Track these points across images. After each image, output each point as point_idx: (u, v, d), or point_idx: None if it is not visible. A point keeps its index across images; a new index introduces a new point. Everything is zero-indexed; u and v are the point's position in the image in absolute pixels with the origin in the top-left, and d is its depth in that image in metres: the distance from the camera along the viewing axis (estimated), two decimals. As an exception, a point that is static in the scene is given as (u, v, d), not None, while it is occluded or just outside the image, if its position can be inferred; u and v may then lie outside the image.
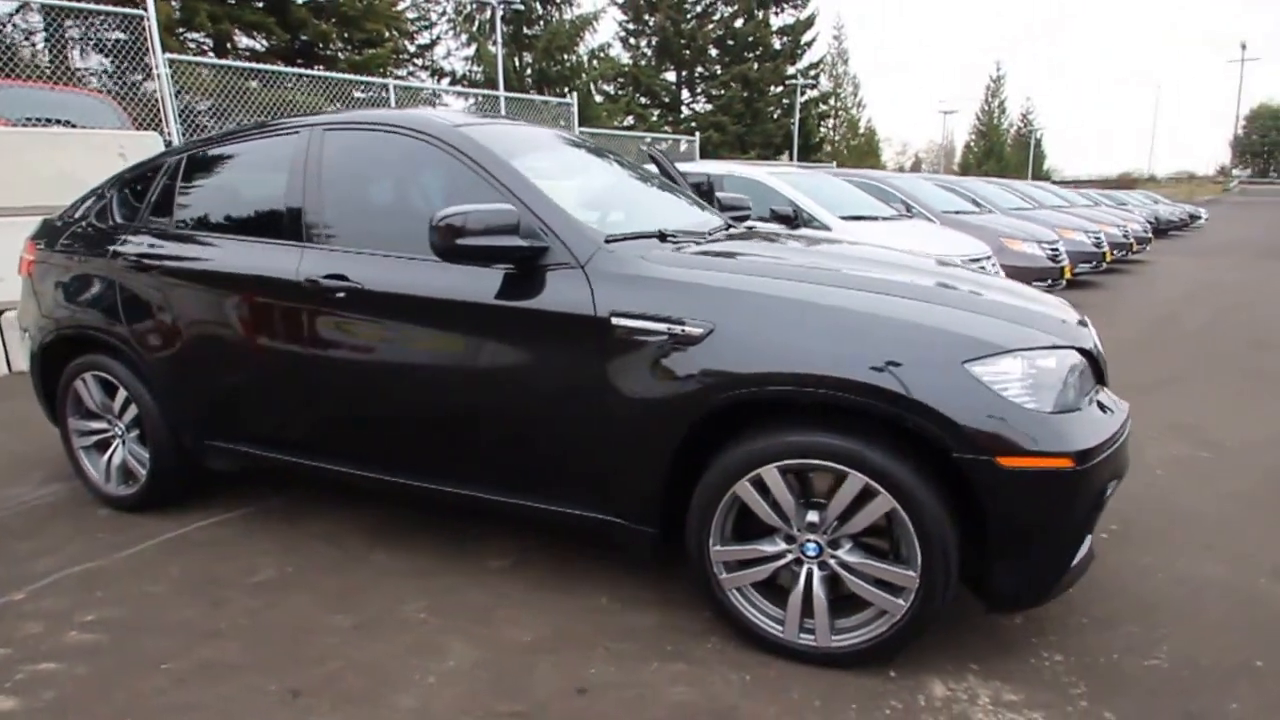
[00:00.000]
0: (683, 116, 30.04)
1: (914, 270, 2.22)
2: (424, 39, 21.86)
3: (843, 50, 41.62)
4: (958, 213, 8.42)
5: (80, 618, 2.16)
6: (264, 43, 16.67)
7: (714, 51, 30.67)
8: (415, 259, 2.20)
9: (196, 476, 2.86)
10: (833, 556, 1.83)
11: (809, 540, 1.84)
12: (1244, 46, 65.13)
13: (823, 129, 35.26)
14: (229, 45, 15.59)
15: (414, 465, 2.34)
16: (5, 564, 2.48)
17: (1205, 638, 2.01)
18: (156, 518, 2.81)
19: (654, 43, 30.90)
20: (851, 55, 55.51)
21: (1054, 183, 20.14)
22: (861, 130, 43.44)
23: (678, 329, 1.85)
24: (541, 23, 23.78)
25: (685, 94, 31.46)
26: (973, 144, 57.71)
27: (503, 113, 11.56)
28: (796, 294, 1.85)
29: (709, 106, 30.45)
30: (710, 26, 30.81)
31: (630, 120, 26.84)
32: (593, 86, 22.28)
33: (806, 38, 32.27)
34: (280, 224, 2.44)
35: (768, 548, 1.88)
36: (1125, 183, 45.32)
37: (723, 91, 29.62)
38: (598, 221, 2.31)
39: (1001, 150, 54.18)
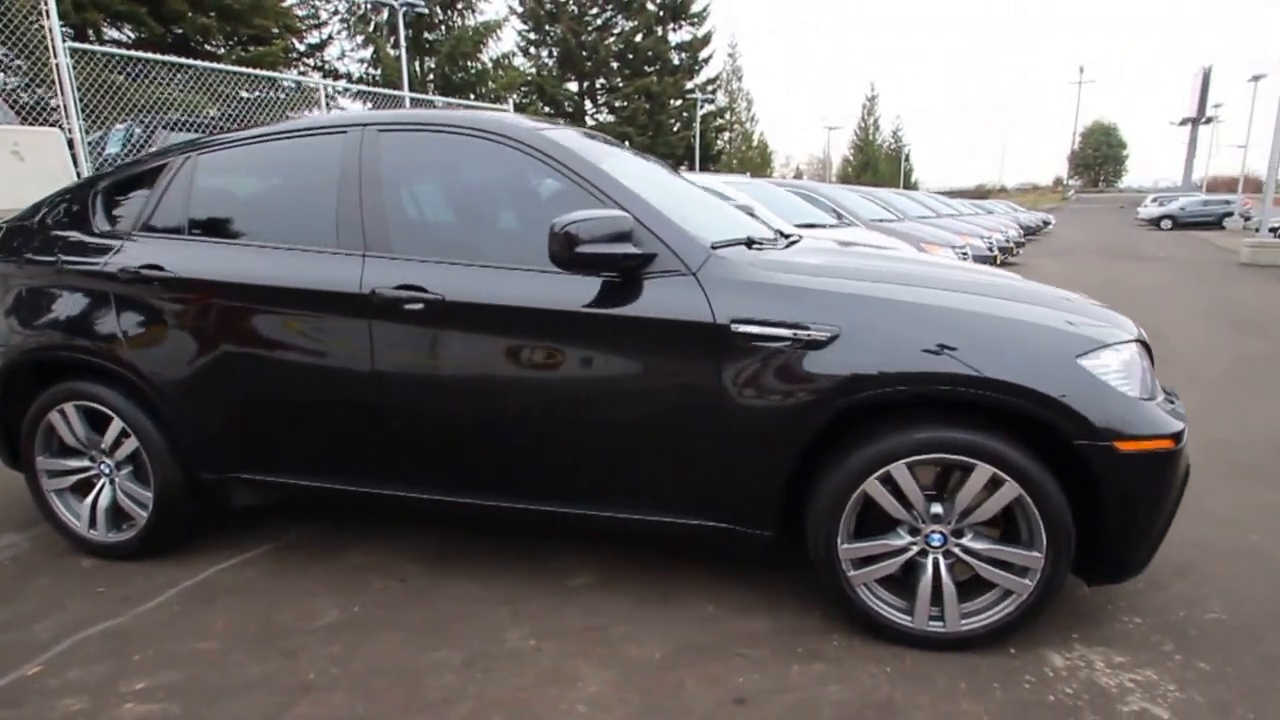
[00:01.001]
0: (588, 127, 30.11)
1: (984, 275, 2.37)
2: (315, 38, 20.59)
3: (737, 68, 43.33)
4: (882, 220, 9.00)
5: (129, 686, 1.88)
6: (131, 34, 15.06)
7: (615, 64, 30.94)
8: (501, 268, 2.10)
9: (204, 516, 2.57)
10: (957, 545, 1.91)
11: (934, 531, 1.91)
12: (1082, 70, 74.47)
13: (720, 141, 36.42)
14: (92, 36, 13.95)
15: (493, 484, 2.22)
16: (-4, 633, 2.11)
17: (1239, 590, 2.27)
18: (158, 565, 2.49)
19: (555, 53, 30.76)
20: (745, 73, 57.70)
21: (937, 194, 21.95)
22: (755, 143, 45.44)
23: (803, 334, 1.87)
24: (443, 28, 23.04)
25: (589, 104, 31.52)
26: (850, 157, 61.91)
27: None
28: (914, 298, 1.93)
29: (611, 118, 30.68)
30: (611, 40, 31.07)
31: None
32: (500, 95, 21.78)
33: (704, 54, 33.27)
34: (333, 231, 2.24)
35: (895, 541, 1.94)
36: (980, 193, 49.94)
37: (626, 103, 29.96)
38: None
39: (877, 163, 58.39)
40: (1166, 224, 30.38)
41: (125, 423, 2.41)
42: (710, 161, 32.67)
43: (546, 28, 30.04)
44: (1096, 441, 1.76)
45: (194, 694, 1.84)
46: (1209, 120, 49.42)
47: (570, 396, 2.07)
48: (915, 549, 1.93)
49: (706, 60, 33.93)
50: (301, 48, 19.79)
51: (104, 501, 2.53)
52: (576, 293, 2.02)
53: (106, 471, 2.52)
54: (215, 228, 2.42)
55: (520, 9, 29.51)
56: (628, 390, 2.02)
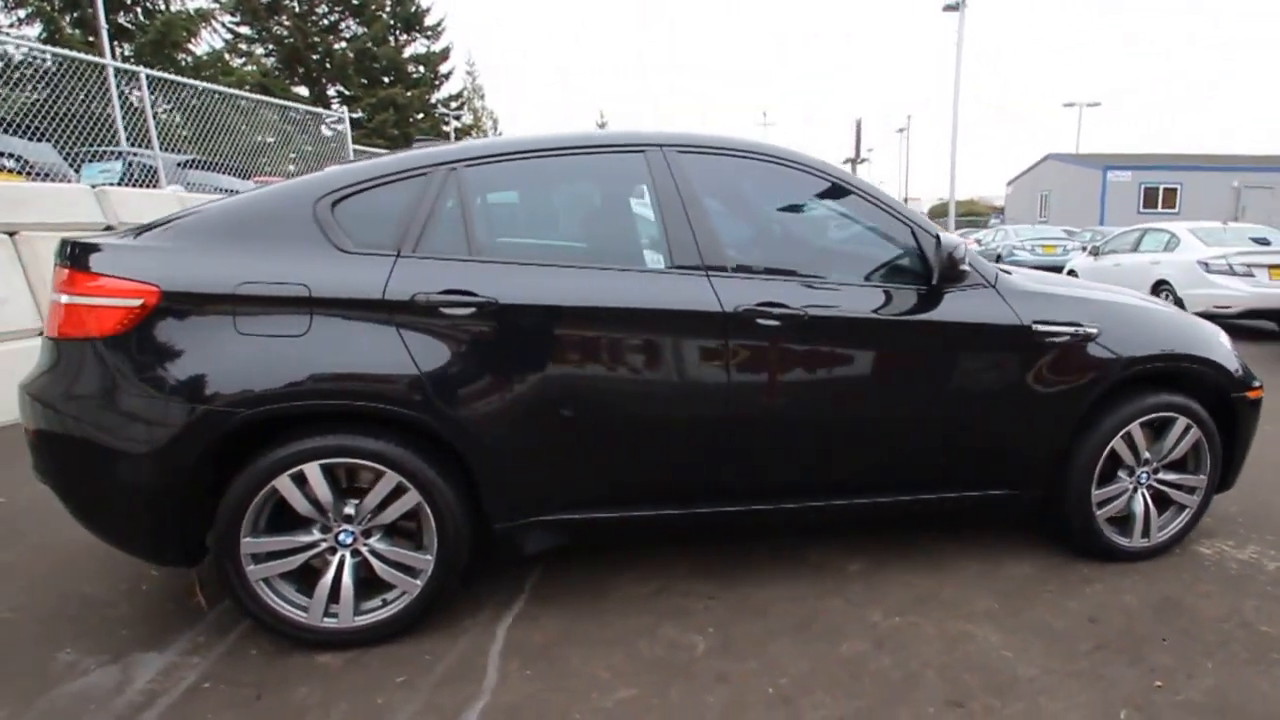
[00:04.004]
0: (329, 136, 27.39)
1: (1120, 290, 3.14)
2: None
3: (478, 86, 42.90)
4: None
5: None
6: None
7: (352, 72, 28.69)
8: (834, 283, 2.33)
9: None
10: (1156, 480, 2.65)
11: (1143, 471, 2.63)
12: (765, 114, 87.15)
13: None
14: None
15: (814, 487, 2.41)
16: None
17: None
18: (418, 640, 2.15)
19: (273, 50, 27.45)
20: (486, 91, 57.11)
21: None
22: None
23: (1080, 330, 2.45)
24: (139, 10, 19.13)
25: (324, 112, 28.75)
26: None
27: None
28: (1132, 302, 2.66)
29: (352, 130, 28.41)
30: (343, 45, 28.77)
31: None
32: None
33: (444, 69, 32.54)
34: (663, 251, 2.22)
35: (1117, 486, 2.60)
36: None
37: (369, 114, 27.98)
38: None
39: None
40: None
41: (403, 476, 2.04)
42: (461, 180, 32.14)
43: (268, 25, 26.78)
44: (1241, 393, 2.63)
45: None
46: (864, 160, 63.40)
47: (905, 396, 2.37)
48: (1133, 488, 2.62)
49: (447, 75, 33.35)
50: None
51: (348, 577, 2.08)
52: (898, 304, 2.34)
53: (347, 541, 2.09)
54: (508, 247, 2.19)
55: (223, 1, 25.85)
56: (958, 384, 2.40)
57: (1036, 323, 2.42)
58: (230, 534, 1.98)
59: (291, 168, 9.50)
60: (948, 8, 18.31)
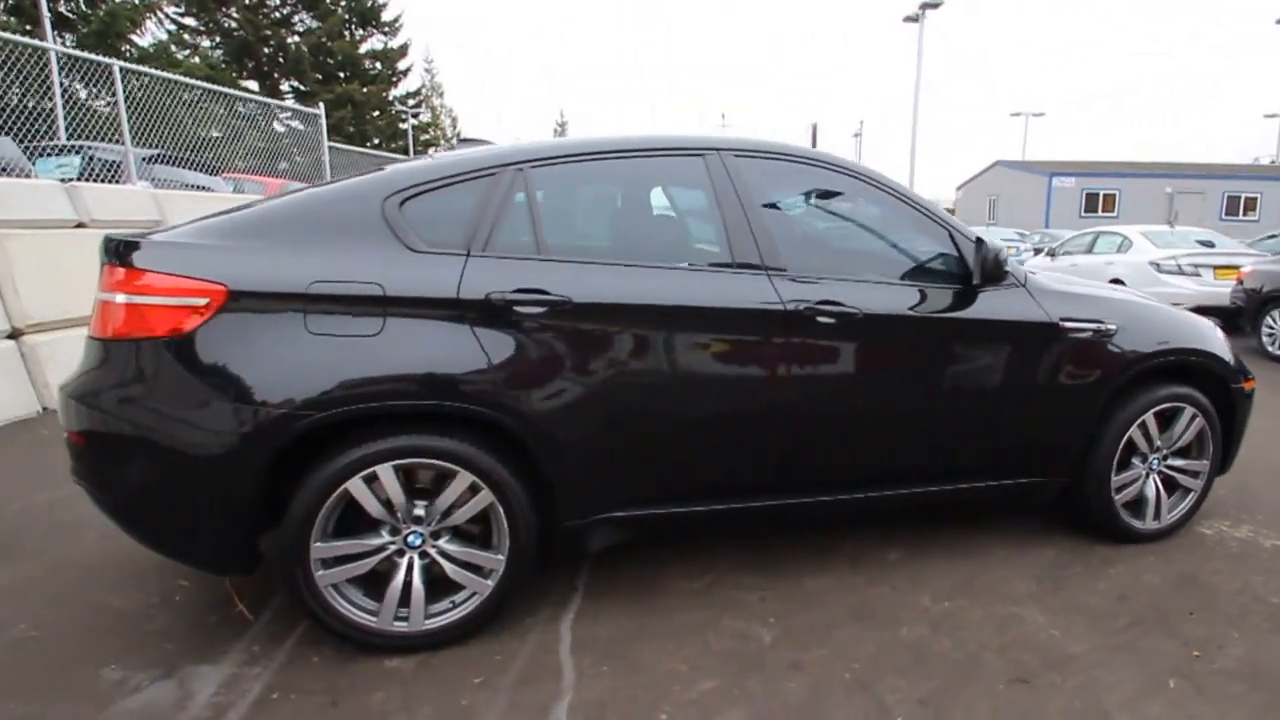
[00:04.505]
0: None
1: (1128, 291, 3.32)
2: None
3: (436, 84, 42.10)
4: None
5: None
6: None
7: (307, 68, 27.84)
8: (882, 282, 2.42)
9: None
10: (1165, 465, 2.82)
11: (1155, 457, 2.80)
12: (724, 115, 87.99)
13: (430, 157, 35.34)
14: None
15: (866, 478, 2.49)
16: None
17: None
18: (478, 646, 2.15)
19: (221, 43, 26.45)
20: (446, 90, 55.93)
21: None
22: (436, 158, 44.58)
23: (1101, 327, 2.60)
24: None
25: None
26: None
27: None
28: (1140, 300, 2.81)
29: (305, 126, 27.57)
30: (297, 39, 27.90)
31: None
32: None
33: (402, 65, 31.92)
34: (725, 251, 2.26)
35: (1135, 471, 2.77)
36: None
37: (328, 112, 27.26)
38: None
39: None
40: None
41: (477, 475, 2.03)
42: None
43: (214, 15, 25.78)
44: (1239, 383, 2.83)
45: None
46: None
47: (951, 389, 2.48)
48: (1146, 474, 2.79)
49: (405, 72, 32.72)
50: None
51: (418, 579, 2.06)
52: (943, 302, 2.45)
53: (415, 543, 2.06)
54: (575, 247, 2.20)
55: (164, -12, 24.79)
56: (994, 379, 2.51)
57: (1064, 320, 2.56)
58: (300, 539, 1.94)
59: (284, 164, 9.20)
60: (908, 19, 18.89)
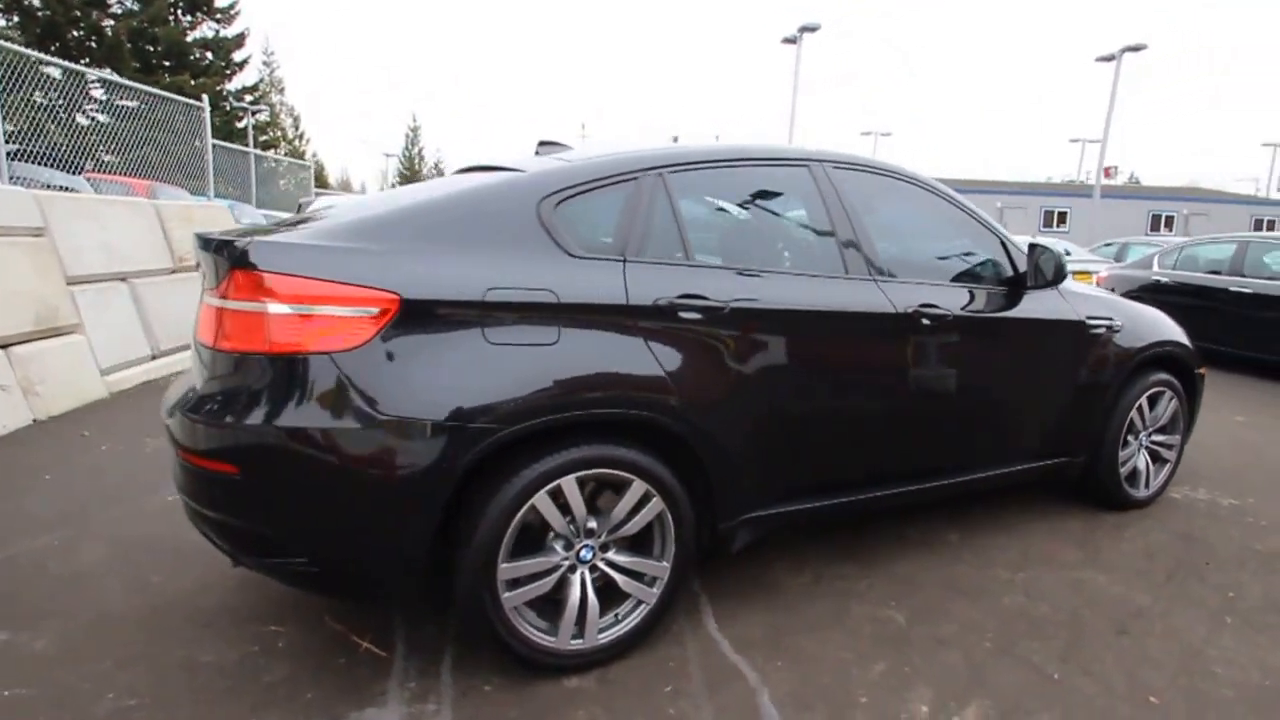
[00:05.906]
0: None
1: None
2: None
3: (276, 79, 38.80)
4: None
5: None
6: None
7: (126, 55, 24.71)
8: (955, 285, 2.69)
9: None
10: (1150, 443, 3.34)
11: (1144, 435, 3.29)
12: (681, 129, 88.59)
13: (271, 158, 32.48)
14: None
15: (951, 466, 2.73)
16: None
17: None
18: (640, 656, 2.14)
19: (17, 21, 22.87)
20: (288, 86, 51.52)
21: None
22: (308, 162, 41.42)
23: (1112, 324, 3.05)
24: None
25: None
26: (398, 184, 62.26)
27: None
28: (1127, 301, 3.29)
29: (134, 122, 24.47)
30: (113, 23, 24.73)
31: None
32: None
33: (237, 57, 29.24)
34: (837, 258, 2.42)
35: (1134, 441, 3.25)
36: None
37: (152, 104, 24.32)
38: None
39: (422, 193, 59.97)
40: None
41: (649, 483, 2.01)
42: (263, 178, 29.10)
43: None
44: (1198, 369, 3.40)
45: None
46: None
47: (1018, 380, 2.82)
48: (1138, 449, 3.28)
49: (241, 65, 30.06)
50: None
51: (593, 595, 2.01)
52: (1006, 303, 2.78)
53: (587, 557, 2.01)
54: (715, 252, 2.23)
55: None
56: (1045, 370, 2.88)
57: (1089, 318, 2.97)
58: (489, 560, 1.82)
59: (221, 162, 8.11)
60: (786, 40, 20.19)
